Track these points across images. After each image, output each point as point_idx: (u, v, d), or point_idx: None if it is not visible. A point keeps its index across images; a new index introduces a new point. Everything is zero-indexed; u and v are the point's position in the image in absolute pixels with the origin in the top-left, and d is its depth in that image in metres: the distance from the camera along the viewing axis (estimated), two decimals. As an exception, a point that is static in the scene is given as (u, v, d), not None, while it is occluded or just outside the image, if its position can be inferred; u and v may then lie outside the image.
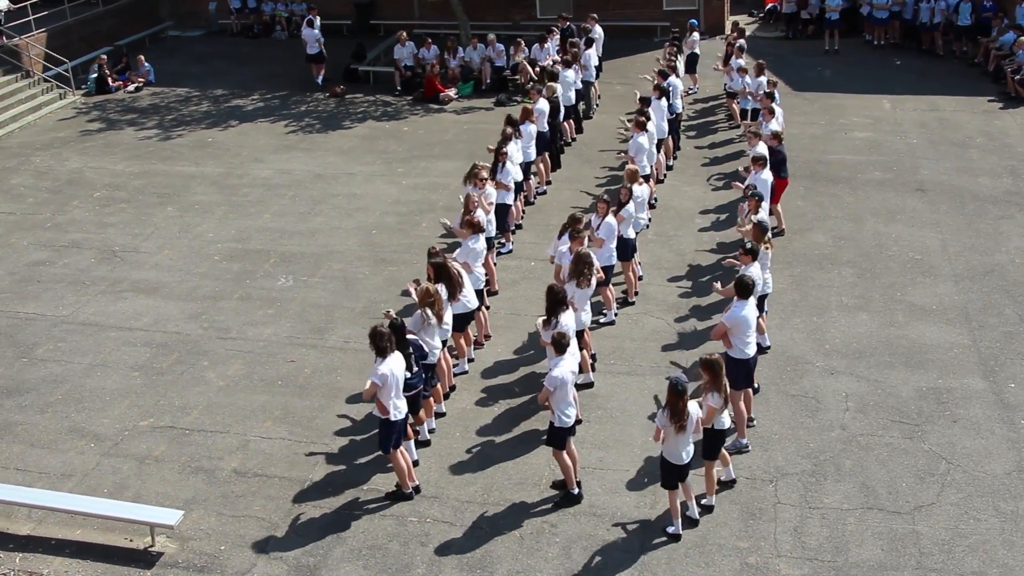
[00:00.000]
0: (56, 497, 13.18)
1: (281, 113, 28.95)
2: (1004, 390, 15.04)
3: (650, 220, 20.39)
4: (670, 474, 12.30)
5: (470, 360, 16.13)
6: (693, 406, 12.02)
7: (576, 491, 13.04)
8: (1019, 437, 13.98)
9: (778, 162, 19.17)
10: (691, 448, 12.18)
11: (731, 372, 12.96)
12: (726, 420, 12.60)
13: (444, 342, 14.65)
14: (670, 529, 12.51)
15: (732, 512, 12.80)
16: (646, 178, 19.58)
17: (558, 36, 28.75)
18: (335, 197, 22.87)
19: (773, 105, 21.29)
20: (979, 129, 25.53)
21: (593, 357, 15.61)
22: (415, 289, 14.24)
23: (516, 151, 19.83)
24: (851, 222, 20.55)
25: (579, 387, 14.58)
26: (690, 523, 12.64)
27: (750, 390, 14.06)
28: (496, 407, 15.13)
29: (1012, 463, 13.48)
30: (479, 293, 16.17)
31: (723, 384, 12.24)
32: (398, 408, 12.78)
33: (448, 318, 14.50)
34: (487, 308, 17.06)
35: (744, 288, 13.50)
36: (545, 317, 13.80)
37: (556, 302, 13.72)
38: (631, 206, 17.20)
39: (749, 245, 14.91)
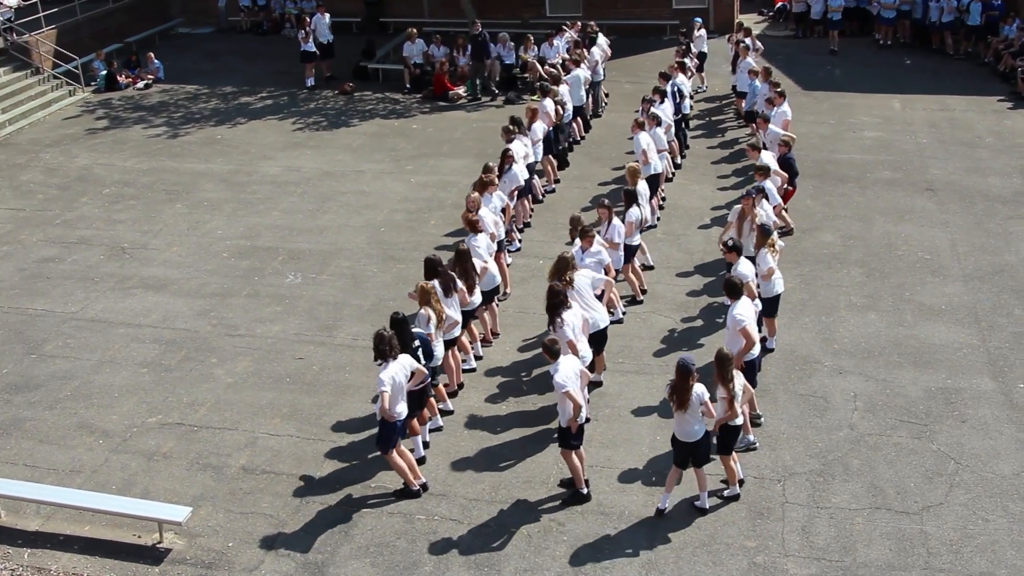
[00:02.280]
0: (64, 493, 13.21)
1: (290, 110, 28.98)
2: (1013, 391, 15.01)
3: (659, 219, 20.40)
4: (677, 451, 12.54)
5: (478, 358, 16.13)
6: (699, 387, 12.10)
7: (585, 490, 13.04)
8: (1028, 438, 13.97)
9: (789, 171, 19.19)
10: (699, 429, 12.27)
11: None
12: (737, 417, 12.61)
13: (448, 342, 14.68)
14: (659, 505, 12.75)
15: (740, 511, 12.79)
16: (655, 179, 19.60)
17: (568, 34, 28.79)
18: (344, 195, 22.88)
19: (779, 109, 21.19)
20: (989, 129, 25.48)
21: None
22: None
23: (522, 150, 19.88)
24: (860, 222, 20.52)
25: (589, 386, 14.66)
26: (699, 512, 12.74)
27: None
28: (504, 405, 15.13)
29: (1021, 464, 13.45)
30: (488, 292, 16.19)
31: (728, 379, 12.31)
32: (398, 412, 12.80)
33: (456, 314, 14.56)
34: (496, 305, 17.03)
35: (733, 289, 13.54)
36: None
37: (555, 303, 13.73)
38: (635, 210, 17.18)
39: (731, 243, 14.96)
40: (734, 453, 13.00)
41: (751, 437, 13.86)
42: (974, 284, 17.99)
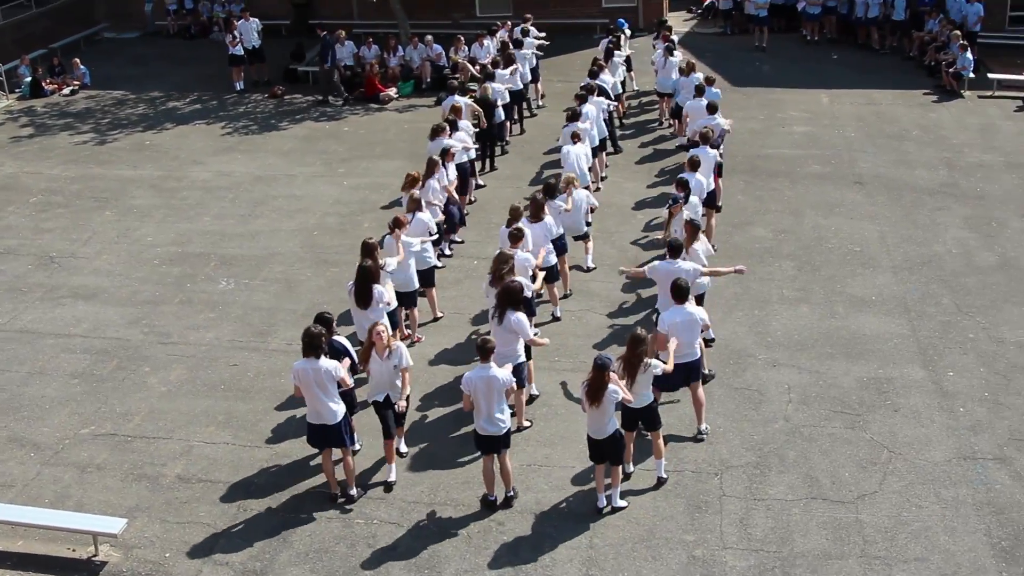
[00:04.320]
0: (-5, 508, 12.99)
1: (219, 114, 28.71)
2: (943, 379, 15.25)
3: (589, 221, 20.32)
4: (591, 448, 12.69)
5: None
6: (612, 387, 12.15)
7: (491, 497, 13.01)
8: (958, 425, 14.19)
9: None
10: (609, 427, 12.37)
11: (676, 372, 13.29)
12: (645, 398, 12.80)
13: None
14: (597, 503, 12.83)
15: (678, 505, 12.87)
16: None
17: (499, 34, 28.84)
18: (276, 199, 22.71)
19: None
20: (915, 122, 25.90)
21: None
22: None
23: (460, 148, 20.03)
24: (791, 215, 20.75)
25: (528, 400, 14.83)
26: (613, 510, 12.80)
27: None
28: (440, 407, 15.09)
29: (952, 450, 13.68)
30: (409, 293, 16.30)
31: (629, 359, 12.48)
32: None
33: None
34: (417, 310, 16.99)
35: (679, 292, 13.58)
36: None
37: (516, 300, 13.68)
38: (557, 201, 17.29)
39: (672, 243, 15.04)
40: (660, 447, 13.20)
41: (703, 426, 14.16)
42: (903, 275, 18.26)
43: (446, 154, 19.18)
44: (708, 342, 15.81)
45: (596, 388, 12.14)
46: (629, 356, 12.52)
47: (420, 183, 17.89)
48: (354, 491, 13.21)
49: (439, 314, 17.35)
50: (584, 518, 12.73)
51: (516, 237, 15.49)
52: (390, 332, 13.32)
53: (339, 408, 12.71)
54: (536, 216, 16.42)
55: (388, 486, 13.38)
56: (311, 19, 35.97)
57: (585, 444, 12.81)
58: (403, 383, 13.17)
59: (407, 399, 13.40)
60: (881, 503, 12.78)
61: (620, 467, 12.89)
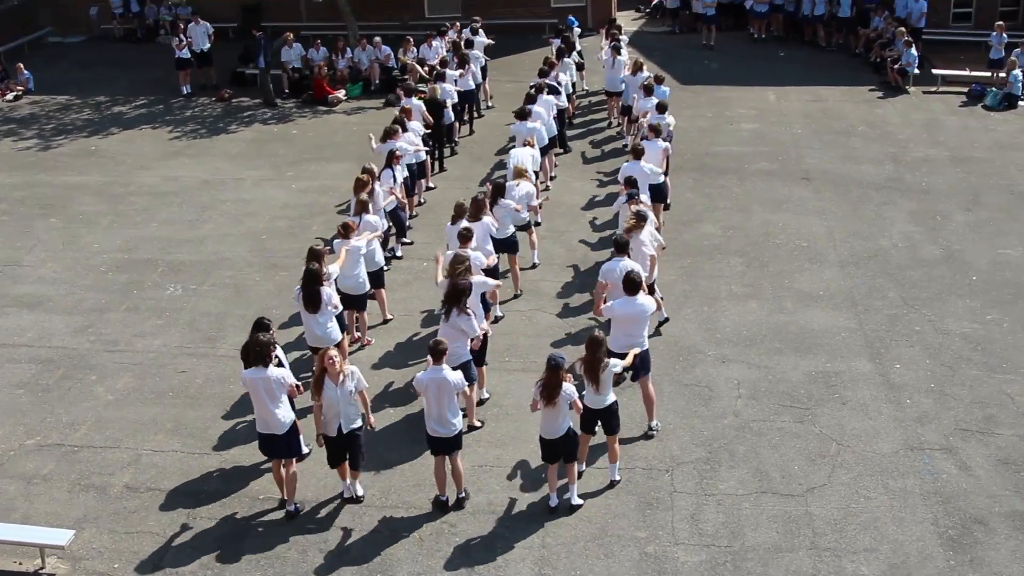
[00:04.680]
0: (-61, 522, 12.78)
1: (166, 119, 28.47)
2: (890, 371, 15.40)
3: (539, 222, 20.32)
4: (543, 448, 12.69)
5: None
6: (567, 386, 12.17)
7: (443, 498, 12.97)
8: (905, 416, 14.33)
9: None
10: (563, 426, 12.39)
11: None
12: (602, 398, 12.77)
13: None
14: (549, 503, 12.82)
15: (629, 502, 12.90)
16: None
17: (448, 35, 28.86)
18: (224, 203, 22.54)
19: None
20: (861, 118, 26.16)
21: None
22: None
23: (411, 148, 20.08)
24: (739, 212, 20.87)
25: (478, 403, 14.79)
26: (570, 509, 12.78)
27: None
28: (391, 409, 15.04)
29: (899, 442, 13.81)
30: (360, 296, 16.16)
31: (590, 361, 12.49)
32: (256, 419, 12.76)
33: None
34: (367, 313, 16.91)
35: (631, 285, 13.66)
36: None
37: (461, 296, 13.70)
38: (507, 200, 17.34)
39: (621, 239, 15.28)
40: (616, 450, 13.17)
41: (654, 422, 14.18)
42: (850, 269, 18.42)
43: (392, 157, 19.11)
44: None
45: (551, 388, 12.14)
46: (590, 359, 12.52)
47: (368, 187, 17.80)
48: (293, 506, 13.02)
49: (389, 316, 17.29)
50: (536, 518, 12.72)
51: (465, 237, 15.47)
52: (341, 355, 12.94)
53: (287, 417, 12.60)
54: (476, 215, 16.38)
55: (358, 499, 13.20)
56: (260, 22, 35.74)
57: (536, 444, 12.82)
58: (364, 405, 12.86)
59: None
60: (830, 495, 12.88)
61: (575, 464, 12.88)
